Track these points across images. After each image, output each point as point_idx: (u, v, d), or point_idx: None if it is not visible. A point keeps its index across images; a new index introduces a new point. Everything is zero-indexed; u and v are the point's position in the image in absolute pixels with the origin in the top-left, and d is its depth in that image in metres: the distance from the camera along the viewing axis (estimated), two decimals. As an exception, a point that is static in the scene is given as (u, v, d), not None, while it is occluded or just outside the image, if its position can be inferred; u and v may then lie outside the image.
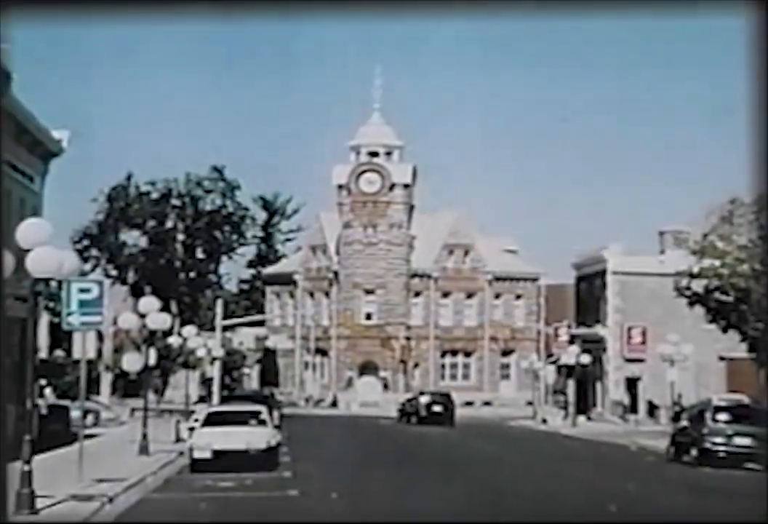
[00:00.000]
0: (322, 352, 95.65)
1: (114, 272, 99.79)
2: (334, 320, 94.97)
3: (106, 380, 71.89)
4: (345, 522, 21.48)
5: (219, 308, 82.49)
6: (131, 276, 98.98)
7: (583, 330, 79.13)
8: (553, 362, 76.80)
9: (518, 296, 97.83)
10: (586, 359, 69.23)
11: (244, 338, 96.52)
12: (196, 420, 37.19)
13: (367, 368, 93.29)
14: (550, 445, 50.18)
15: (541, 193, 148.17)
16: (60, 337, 51.20)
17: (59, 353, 58.62)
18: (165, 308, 41.80)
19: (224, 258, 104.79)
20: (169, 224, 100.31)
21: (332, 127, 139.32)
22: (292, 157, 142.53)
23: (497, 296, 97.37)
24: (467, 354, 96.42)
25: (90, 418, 48.36)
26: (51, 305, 51.96)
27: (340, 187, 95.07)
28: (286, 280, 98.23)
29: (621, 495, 26.21)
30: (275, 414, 45.84)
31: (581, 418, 68.56)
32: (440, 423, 61.82)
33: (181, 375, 66.69)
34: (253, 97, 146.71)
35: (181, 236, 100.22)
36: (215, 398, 70.79)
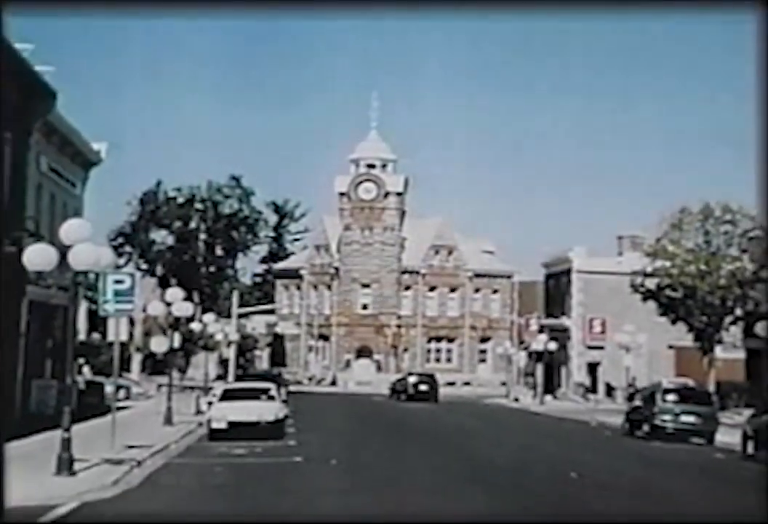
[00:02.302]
0: (324, 337, 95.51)
1: (144, 266, 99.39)
2: (335, 309, 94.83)
3: (136, 359, 71.76)
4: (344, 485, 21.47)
5: (235, 299, 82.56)
6: (159, 270, 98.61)
7: (550, 321, 79.17)
8: (525, 349, 76.79)
9: (495, 291, 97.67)
10: (553, 346, 69.20)
11: (257, 324, 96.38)
12: (214, 395, 37.16)
13: (362, 352, 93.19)
14: (520, 420, 50.17)
15: (516, 201, 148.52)
16: (96, 322, 51.08)
17: (96, 335, 58.43)
18: (188, 298, 41.63)
19: (240, 255, 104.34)
20: (193, 225, 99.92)
21: (335, 143, 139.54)
22: (300, 168, 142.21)
23: (476, 290, 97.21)
24: (450, 341, 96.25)
25: (122, 393, 48.23)
26: (89, 294, 51.84)
27: (342, 194, 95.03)
28: (293, 274, 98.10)
29: (581, 463, 26.27)
30: (282, 390, 45.81)
31: (548, 397, 68.55)
32: (426, 400, 61.78)
33: (202, 356, 66.64)
34: (267, 117, 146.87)
35: (203, 236, 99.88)
36: (231, 376, 70.76)
